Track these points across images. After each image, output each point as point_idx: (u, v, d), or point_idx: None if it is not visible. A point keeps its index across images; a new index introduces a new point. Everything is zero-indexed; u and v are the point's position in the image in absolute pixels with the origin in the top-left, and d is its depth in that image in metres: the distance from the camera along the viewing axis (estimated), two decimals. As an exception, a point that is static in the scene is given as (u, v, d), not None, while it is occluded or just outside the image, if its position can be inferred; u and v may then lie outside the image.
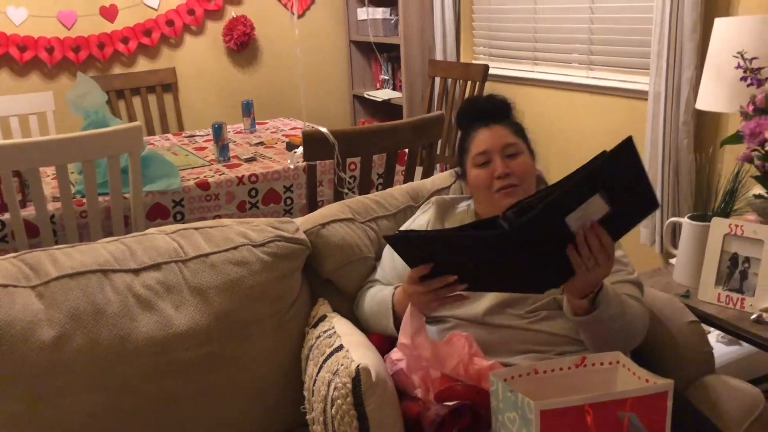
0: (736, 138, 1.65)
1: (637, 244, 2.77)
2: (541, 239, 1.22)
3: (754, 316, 1.66)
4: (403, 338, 1.41)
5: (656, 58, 2.64)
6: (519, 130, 1.60)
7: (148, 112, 3.87)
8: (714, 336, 2.11)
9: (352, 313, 1.61)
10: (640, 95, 2.83)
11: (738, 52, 1.67)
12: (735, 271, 1.74)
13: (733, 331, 1.69)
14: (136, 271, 1.40)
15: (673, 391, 1.48)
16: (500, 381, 1.24)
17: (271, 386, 1.49)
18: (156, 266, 1.42)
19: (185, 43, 4.04)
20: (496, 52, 3.74)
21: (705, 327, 1.74)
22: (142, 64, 3.95)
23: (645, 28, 2.80)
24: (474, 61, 3.84)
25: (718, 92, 1.85)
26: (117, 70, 3.89)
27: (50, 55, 3.65)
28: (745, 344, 2.09)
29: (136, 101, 3.85)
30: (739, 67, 1.67)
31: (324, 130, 1.96)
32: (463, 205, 1.68)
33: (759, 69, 1.65)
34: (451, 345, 1.41)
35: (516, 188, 1.51)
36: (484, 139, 1.55)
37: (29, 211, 2.15)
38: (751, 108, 1.62)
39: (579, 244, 1.24)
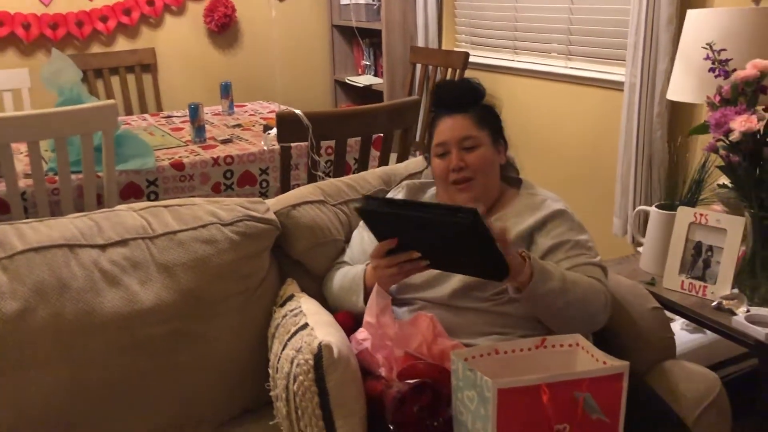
0: (703, 128, 1.68)
1: (609, 234, 2.81)
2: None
3: (714, 304, 1.69)
4: (368, 317, 1.42)
5: (632, 50, 2.66)
6: (485, 119, 1.59)
7: (126, 92, 3.85)
8: (678, 324, 2.15)
9: (320, 294, 1.62)
10: (617, 86, 2.85)
11: (707, 44, 1.69)
12: (698, 260, 1.77)
13: (695, 318, 1.72)
14: (102, 247, 1.40)
15: (633, 375, 1.51)
16: (460, 360, 1.26)
17: (237, 364, 1.50)
18: (123, 242, 1.42)
19: (165, 24, 4.01)
20: (477, 41, 3.75)
21: (670, 315, 1.78)
22: (122, 44, 3.91)
23: (622, 20, 2.82)
24: (456, 49, 3.85)
25: (688, 83, 1.87)
26: (95, 49, 3.86)
27: (27, 32, 3.61)
28: (708, 332, 2.14)
29: (115, 81, 3.82)
30: (707, 58, 1.69)
31: (298, 112, 1.96)
32: (432, 190, 1.69)
33: (727, 60, 1.67)
34: (415, 325, 1.43)
35: (471, 182, 1.53)
36: (444, 129, 1.56)
37: (0, 188, 2.14)
38: (717, 99, 1.65)
39: None
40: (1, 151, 2.05)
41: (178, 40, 4.05)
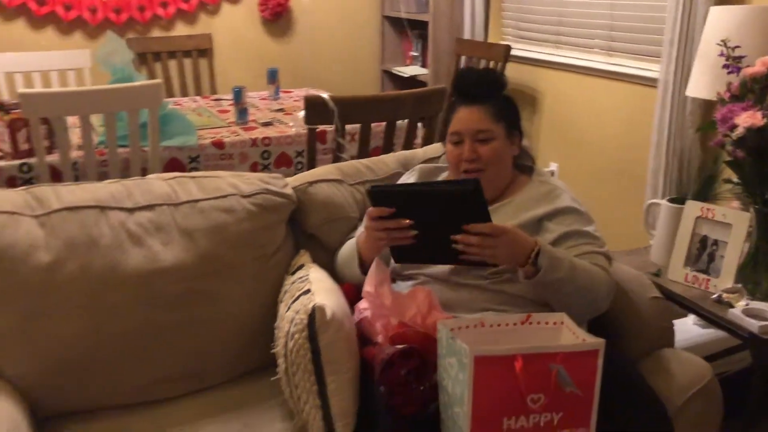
0: (712, 125, 1.71)
1: (639, 226, 2.82)
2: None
3: (714, 296, 1.73)
4: (367, 287, 1.52)
5: (668, 46, 2.67)
6: (501, 112, 1.63)
7: (183, 75, 4.04)
8: (691, 319, 2.17)
9: (331, 266, 1.73)
10: (651, 82, 2.86)
11: (721, 40, 1.71)
12: (703, 253, 1.80)
13: (694, 309, 1.75)
14: (130, 210, 1.54)
15: (623, 359, 1.57)
16: (446, 329, 1.34)
17: (248, 325, 1.63)
18: (149, 207, 1.56)
19: (222, 11, 4.19)
20: (522, 34, 3.79)
21: (681, 310, 1.82)
22: (180, 29, 4.11)
23: (660, 16, 2.83)
24: (501, 41, 3.89)
25: (706, 79, 1.90)
26: (156, 33, 4.06)
27: (93, 15, 3.84)
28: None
29: (172, 64, 4.01)
30: (721, 54, 1.72)
31: (325, 95, 2.07)
32: (445, 174, 1.77)
33: (740, 57, 1.69)
34: (412, 297, 1.52)
35: (481, 173, 1.60)
36: (460, 119, 1.62)
37: (54, 158, 2.33)
38: (727, 95, 1.67)
39: (462, 249, 1.41)
40: (57, 123, 2.23)
41: (233, 27, 4.22)
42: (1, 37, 3.69)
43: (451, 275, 1.58)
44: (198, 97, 3.47)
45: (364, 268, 1.57)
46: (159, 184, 1.63)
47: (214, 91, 4.09)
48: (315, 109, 2.14)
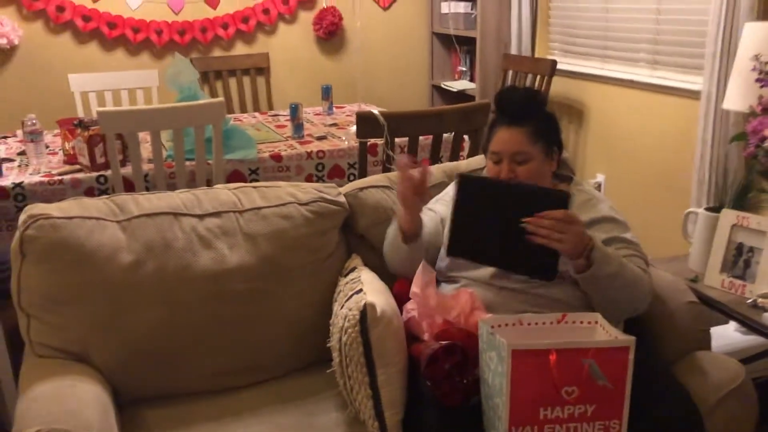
0: (743, 136, 1.78)
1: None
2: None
3: (749, 301, 1.79)
4: (415, 288, 1.65)
5: (711, 59, 2.72)
6: (540, 132, 1.70)
7: (242, 92, 4.25)
8: (732, 326, 2.22)
9: (381, 267, 1.85)
10: (695, 95, 2.92)
11: (754, 55, 1.79)
12: (740, 260, 1.87)
13: (730, 314, 1.82)
14: (200, 216, 1.71)
15: (657, 360, 1.65)
16: (486, 326, 1.46)
17: (304, 321, 1.77)
18: (217, 214, 1.73)
19: (279, 31, 4.39)
20: (569, 49, 3.87)
21: (724, 318, 1.88)
22: (239, 48, 4.33)
23: (702, 30, 2.88)
24: (548, 56, 3.98)
25: (741, 93, 1.96)
26: (216, 52, 4.30)
27: (159, 37, 4.09)
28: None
29: (232, 82, 4.23)
30: (754, 69, 1.79)
31: (375, 111, 2.21)
32: None
33: (773, 72, 1.77)
34: (456, 298, 1.64)
35: None
36: (500, 140, 1.71)
37: (127, 170, 2.53)
38: (759, 108, 1.75)
39: (532, 230, 1.52)
40: (130, 138, 2.43)
41: (289, 46, 4.42)
42: (75, 59, 3.97)
43: (492, 279, 1.69)
44: (257, 114, 3.66)
45: (407, 240, 1.68)
46: (225, 193, 1.79)
47: (270, 107, 4.29)
48: (366, 123, 2.29)
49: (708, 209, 1.98)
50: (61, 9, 3.88)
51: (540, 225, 1.50)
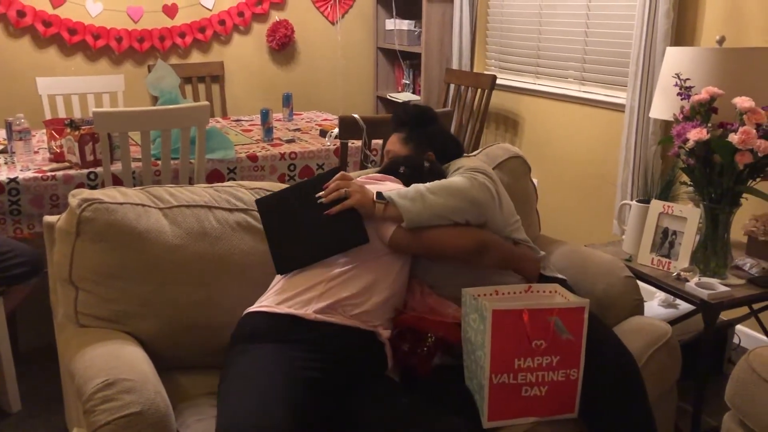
0: (669, 139, 2.17)
1: (609, 232, 3.29)
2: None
3: (674, 274, 2.17)
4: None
5: (633, 78, 3.16)
6: (411, 137, 2.08)
7: (197, 99, 4.42)
8: (656, 301, 2.63)
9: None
10: (619, 108, 3.35)
11: (675, 74, 2.18)
12: (665, 242, 2.25)
13: (659, 285, 2.19)
14: (230, 210, 1.91)
15: (601, 323, 1.97)
16: (468, 294, 1.74)
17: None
18: (245, 210, 1.93)
19: (233, 41, 4.61)
20: (504, 65, 4.27)
21: (651, 291, 2.23)
22: (195, 57, 4.52)
23: (626, 52, 3.33)
24: (485, 72, 4.37)
25: (665, 104, 2.36)
26: (173, 60, 4.46)
27: (119, 44, 4.23)
28: (680, 308, 2.61)
29: (188, 89, 4.40)
30: (676, 85, 2.18)
31: (356, 116, 2.50)
32: None
33: (690, 87, 2.16)
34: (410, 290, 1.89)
35: None
36: (390, 140, 2.14)
37: (116, 167, 2.70)
38: (681, 116, 2.14)
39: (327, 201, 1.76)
40: (121, 138, 2.61)
41: (243, 56, 4.64)
42: (35, 62, 4.06)
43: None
44: (219, 118, 3.87)
45: None
46: (242, 191, 1.99)
47: (224, 113, 4.49)
48: (347, 126, 2.57)
49: (639, 201, 2.36)
50: (21, 14, 3.96)
51: (328, 193, 1.75)
